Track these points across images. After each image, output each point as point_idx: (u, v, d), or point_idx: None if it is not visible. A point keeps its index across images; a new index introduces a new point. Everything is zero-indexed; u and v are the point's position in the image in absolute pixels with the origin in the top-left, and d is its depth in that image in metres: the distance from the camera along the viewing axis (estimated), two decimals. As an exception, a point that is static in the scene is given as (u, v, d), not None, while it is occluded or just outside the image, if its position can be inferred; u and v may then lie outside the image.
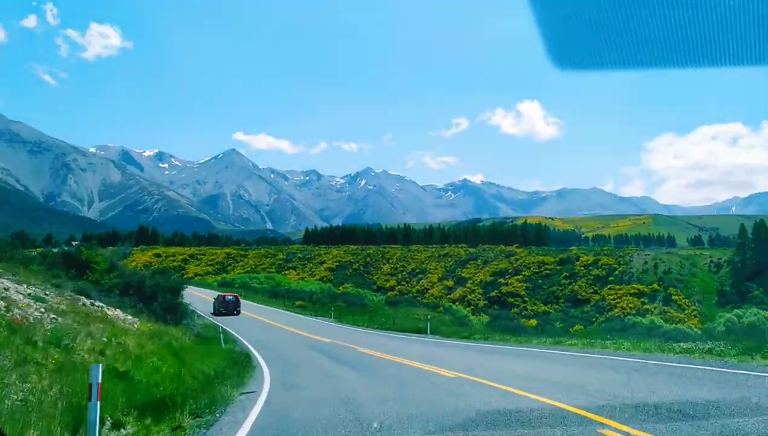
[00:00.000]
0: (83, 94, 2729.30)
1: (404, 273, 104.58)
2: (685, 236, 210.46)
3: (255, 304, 56.63)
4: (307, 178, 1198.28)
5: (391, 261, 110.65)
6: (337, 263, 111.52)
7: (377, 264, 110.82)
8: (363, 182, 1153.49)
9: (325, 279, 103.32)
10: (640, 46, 3.91)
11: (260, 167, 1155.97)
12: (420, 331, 29.11)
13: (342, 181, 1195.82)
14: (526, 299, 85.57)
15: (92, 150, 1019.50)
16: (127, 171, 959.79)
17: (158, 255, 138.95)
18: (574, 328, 38.99)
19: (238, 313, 45.73)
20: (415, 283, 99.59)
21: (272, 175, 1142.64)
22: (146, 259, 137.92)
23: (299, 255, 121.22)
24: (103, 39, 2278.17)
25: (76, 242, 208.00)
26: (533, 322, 48.57)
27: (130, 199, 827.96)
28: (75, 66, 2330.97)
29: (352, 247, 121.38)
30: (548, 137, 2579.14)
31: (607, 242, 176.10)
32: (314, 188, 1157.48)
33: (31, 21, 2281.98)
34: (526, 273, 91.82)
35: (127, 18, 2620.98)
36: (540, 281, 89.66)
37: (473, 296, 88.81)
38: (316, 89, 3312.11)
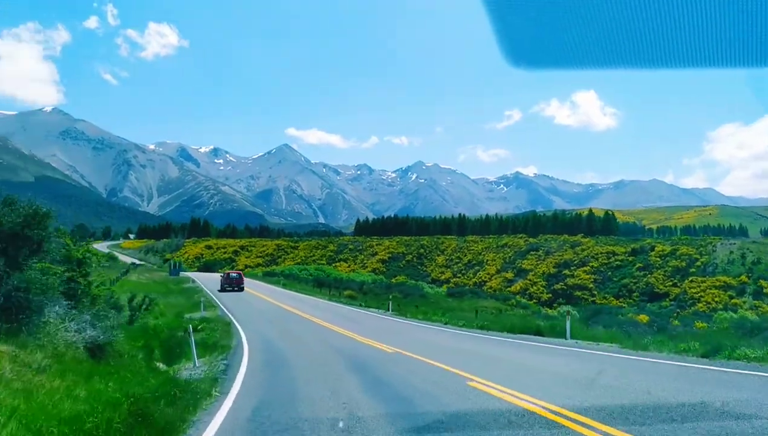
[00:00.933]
0: (143, 93, 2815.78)
1: (460, 265, 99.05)
2: (756, 227, 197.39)
3: (295, 293, 48.33)
4: (359, 172, 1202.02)
5: (446, 252, 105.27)
6: (390, 255, 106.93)
7: (431, 255, 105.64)
8: (414, 176, 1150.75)
9: (377, 271, 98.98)
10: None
11: (312, 162, 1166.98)
12: (539, 331, 18.05)
13: (393, 175, 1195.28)
14: (595, 292, 78.66)
15: (152, 147, 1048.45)
16: (184, 167, 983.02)
17: (209, 247, 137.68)
18: (696, 325, 32.10)
19: (241, 289, 48.13)
20: (471, 275, 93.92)
21: (324, 170, 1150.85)
22: (198, 250, 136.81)
23: (350, 246, 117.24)
24: (160, 38, 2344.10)
25: (133, 235, 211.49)
26: (644, 318, 41.46)
27: (187, 195, 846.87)
28: (135, 65, 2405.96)
29: (405, 238, 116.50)
30: (605, 128, 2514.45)
31: (673, 233, 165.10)
32: (365, 182, 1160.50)
33: (92, 22, 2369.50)
34: (593, 264, 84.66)
35: (183, 17, 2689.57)
36: (609, 273, 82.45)
37: (535, 288, 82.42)
38: (366, 84, 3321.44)
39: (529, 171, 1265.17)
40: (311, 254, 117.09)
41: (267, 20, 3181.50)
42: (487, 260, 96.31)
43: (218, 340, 17.26)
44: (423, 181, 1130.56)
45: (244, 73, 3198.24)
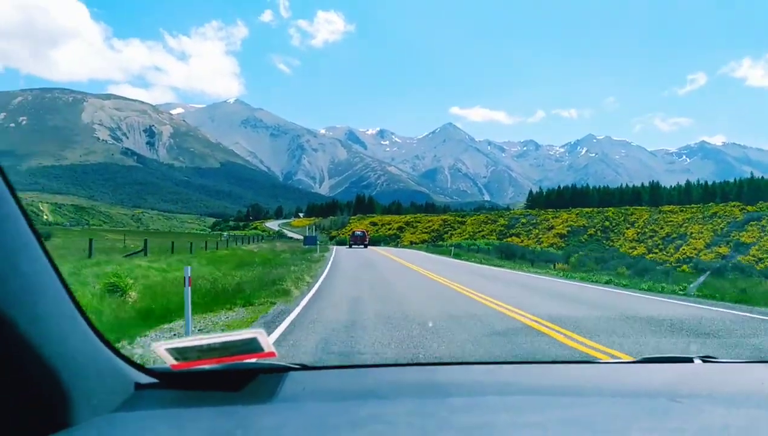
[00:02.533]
0: (313, 79, 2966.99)
1: (656, 238, 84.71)
2: None
3: (477, 266, 30.94)
4: (525, 148, 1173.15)
5: (636, 225, 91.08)
6: (569, 229, 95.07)
7: (618, 229, 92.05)
8: (584, 150, 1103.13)
9: (554, 246, 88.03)
10: None
11: (477, 140, 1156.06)
12: None
13: (561, 150, 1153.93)
14: None
15: (322, 131, 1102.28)
16: (352, 149, 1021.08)
17: (374, 223, 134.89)
18: None
19: (366, 246, 54.10)
20: (672, 250, 79.49)
21: (489, 148, 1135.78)
22: (362, 227, 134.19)
23: (523, 220, 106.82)
24: (328, 25, 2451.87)
25: (302, 213, 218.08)
26: None
27: (356, 176, 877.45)
28: (306, 53, 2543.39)
29: (586, 210, 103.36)
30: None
31: None
32: (532, 159, 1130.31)
33: (267, 15, 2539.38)
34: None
35: (348, 3, 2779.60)
36: None
37: (764, 265, 66.71)
38: (531, 56, 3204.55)
39: (717, 140, 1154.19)
40: (479, 229, 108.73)
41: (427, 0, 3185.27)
42: (692, 233, 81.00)
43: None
44: (594, 155, 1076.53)
45: (408, 54, 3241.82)
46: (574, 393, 1.62)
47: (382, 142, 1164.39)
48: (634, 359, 2.12)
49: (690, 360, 2.05)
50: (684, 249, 77.65)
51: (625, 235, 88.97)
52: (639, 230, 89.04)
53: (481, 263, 34.19)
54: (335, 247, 58.53)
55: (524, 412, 1.36)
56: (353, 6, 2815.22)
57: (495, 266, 31.46)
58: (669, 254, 78.02)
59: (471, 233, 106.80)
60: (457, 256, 43.25)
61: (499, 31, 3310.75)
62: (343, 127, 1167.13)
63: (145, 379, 1.48)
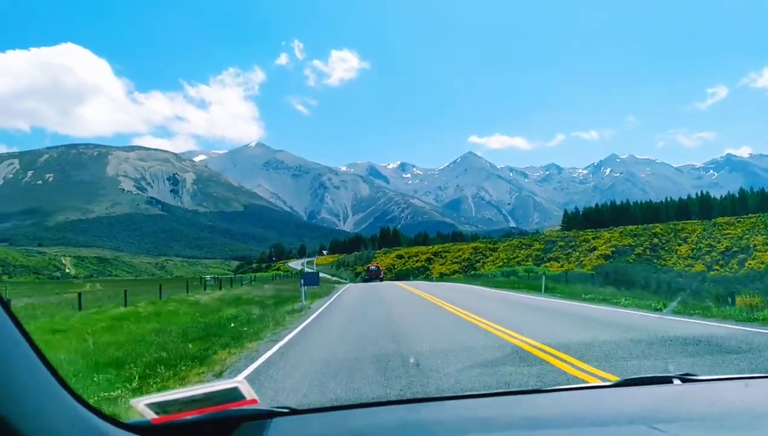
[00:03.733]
0: (331, 118, 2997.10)
1: (714, 254, 76.53)
2: None
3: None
4: (547, 172, 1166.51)
5: (689, 240, 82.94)
6: (613, 249, 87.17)
7: (669, 246, 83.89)
8: (608, 170, 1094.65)
9: (597, 269, 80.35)
10: None
11: (498, 167, 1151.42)
12: None
13: (584, 171, 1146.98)
14: None
15: (343, 168, 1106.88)
16: (374, 184, 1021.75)
17: (400, 256, 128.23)
18: None
19: (381, 280, 55.27)
20: (735, 265, 71.30)
21: (511, 174, 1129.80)
22: (389, 261, 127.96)
23: (560, 243, 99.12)
24: (343, 63, 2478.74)
25: (325, 250, 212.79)
26: None
27: (379, 211, 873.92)
28: (322, 93, 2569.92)
29: (629, 227, 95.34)
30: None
31: None
32: (555, 182, 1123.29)
33: (283, 59, 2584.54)
34: None
35: (361, 41, 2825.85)
36: None
37: None
38: (546, 80, 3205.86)
39: (743, 152, 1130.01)
40: (514, 255, 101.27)
41: (441, 31, 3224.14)
42: (756, 245, 72.78)
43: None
44: (619, 174, 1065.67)
45: (423, 86, 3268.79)
46: (556, 424, 1.58)
47: (404, 175, 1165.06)
48: (614, 382, 2.10)
49: (670, 380, 2.04)
50: (750, 263, 69.42)
51: (678, 252, 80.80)
52: (693, 246, 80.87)
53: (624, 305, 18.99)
54: (348, 285, 49.61)
55: None
56: (366, 43, 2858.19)
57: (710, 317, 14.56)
58: (731, 270, 69.86)
59: (505, 260, 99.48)
60: (550, 290, 28.16)
61: (512, 58, 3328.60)
62: (364, 163, 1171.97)
63: (124, 435, 1.42)
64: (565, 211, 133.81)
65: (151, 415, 1.37)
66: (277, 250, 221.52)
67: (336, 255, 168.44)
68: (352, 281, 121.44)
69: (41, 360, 1.19)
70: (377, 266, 66.50)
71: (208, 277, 65.84)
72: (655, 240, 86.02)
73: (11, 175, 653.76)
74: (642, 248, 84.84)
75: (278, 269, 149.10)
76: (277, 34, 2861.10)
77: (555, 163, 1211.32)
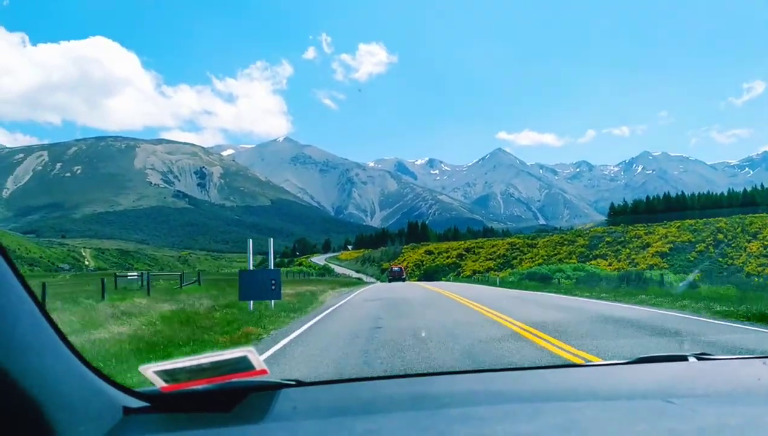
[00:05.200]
0: (359, 113, 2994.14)
1: (794, 253, 67.03)
2: None
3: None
4: (578, 169, 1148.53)
5: (760, 236, 73.13)
6: (671, 246, 77.61)
7: (737, 242, 74.13)
8: (640, 168, 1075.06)
9: (654, 267, 71.09)
10: None
11: (527, 164, 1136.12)
12: None
13: (616, 169, 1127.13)
14: None
15: (371, 164, 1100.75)
16: (402, 180, 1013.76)
17: (430, 252, 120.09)
18: None
19: (404, 280, 59.92)
20: (821, 266, 61.83)
21: (540, 171, 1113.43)
22: (417, 257, 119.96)
23: (607, 239, 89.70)
24: (371, 57, 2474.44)
25: (351, 245, 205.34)
26: None
27: (407, 207, 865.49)
28: (350, 87, 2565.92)
29: (688, 222, 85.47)
30: None
31: None
32: (586, 180, 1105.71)
33: (310, 53, 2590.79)
34: None
35: (389, 33, 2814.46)
36: None
37: None
38: (576, 76, 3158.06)
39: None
40: (555, 252, 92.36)
41: (467, 24, 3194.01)
42: None
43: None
44: (651, 172, 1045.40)
45: (452, 81, 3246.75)
46: (568, 398, 1.57)
47: (432, 171, 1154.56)
48: (628, 360, 2.05)
49: (685, 358, 2.02)
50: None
51: (748, 249, 71.09)
52: (766, 243, 71.11)
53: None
54: (360, 290, 33.31)
55: (519, 420, 1.33)
56: (394, 37, 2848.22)
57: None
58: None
59: (545, 257, 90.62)
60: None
61: (542, 52, 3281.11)
62: (392, 159, 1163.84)
63: (134, 403, 1.44)
64: (611, 205, 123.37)
65: (159, 382, 1.37)
66: (301, 244, 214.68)
67: (361, 250, 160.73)
68: (378, 278, 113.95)
69: (47, 320, 1.19)
70: (400, 268, 68.42)
71: (133, 273, 42.16)
72: (720, 236, 76.20)
73: (40, 168, 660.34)
74: (704, 245, 75.22)
75: (300, 265, 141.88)
76: (305, 27, 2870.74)
77: (585, 160, 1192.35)
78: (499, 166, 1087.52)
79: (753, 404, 1.42)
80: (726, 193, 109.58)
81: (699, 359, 2.00)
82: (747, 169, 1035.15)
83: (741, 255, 70.81)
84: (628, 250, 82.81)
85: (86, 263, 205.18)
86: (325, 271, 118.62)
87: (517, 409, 1.44)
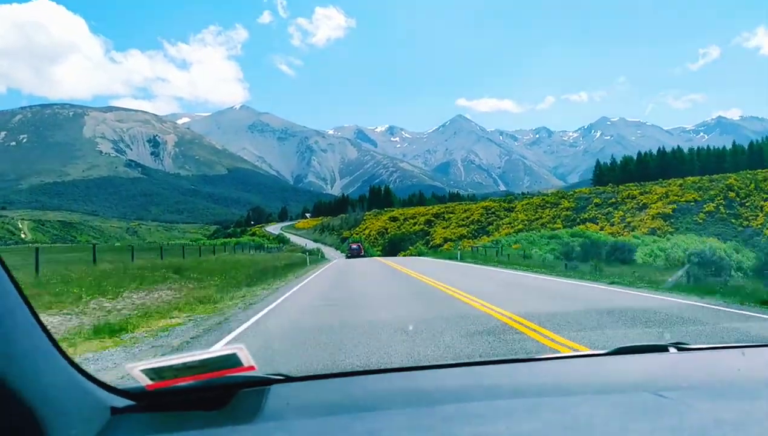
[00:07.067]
0: (318, 79, 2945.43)
1: (820, 212, 57.98)
2: None
3: None
4: (537, 136, 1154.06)
5: (777, 193, 64.11)
6: (674, 206, 67.89)
7: (751, 201, 64.91)
8: (598, 134, 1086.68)
9: (659, 232, 61.46)
10: None
11: (488, 130, 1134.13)
12: None
13: (575, 134, 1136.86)
14: None
15: (330, 131, 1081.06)
16: (362, 148, 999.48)
17: (395, 219, 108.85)
18: None
19: (363, 256, 61.63)
20: None
21: (501, 137, 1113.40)
22: (380, 224, 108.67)
23: (596, 200, 79.80)
24: (328, 21, 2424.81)
25: (308, 214, 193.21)
26: None
27: (368, 174, 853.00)
28: (307, 53, 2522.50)
29: (690, 179, 75.88)
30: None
31: None
32: (545, 146, 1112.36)
33: (265, 17, 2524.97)
34: None
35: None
36: None
37: None
38: (535, 42, 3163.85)
39: (733, 114, 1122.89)
40: (536, 217, 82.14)
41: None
42: None
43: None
44: (609, 137, 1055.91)
45: (411, 47, 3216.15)
46: (562, 392, 1.56)
47: (392, 138, 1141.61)
48: (607, 351, 2.06)
49: (665, 349, 2.04)
50: None
51: (766, 209, 61.81)
52: (783, 200, 61.99)
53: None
54: (308, 277, 21.41)
55: (518, 418, 1.31)
56: (351, 1, 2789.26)
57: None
58: None
59: (525, 222, 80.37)
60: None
61: (500, 19, 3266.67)
62: (352, 127, 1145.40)
63: (121, 402, 1.40)
64: (597, 162, 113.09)
65: (145, 381, 1.32)
66: (256, 213, 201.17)
67: (320, 218, 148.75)
68: (338, 247, 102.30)
69: (38, 323, 1.17)
70: (358, 245, 69.25)
71: None
72: (731, 194, 66.70)
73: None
74: (713, 205, 65.62)
75: (254, 234, 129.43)
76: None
77: (545, 126, 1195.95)
78: (459, 132, 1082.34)
79: (741, 397, 1.44)
80: (731, 147, 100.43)
81: (678, 349, 2.02)
82: (702, 133, 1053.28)
83: (758, 216, 61.47)
84: (621, 212, 73.03)
85: (22, 235, 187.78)
86: (281, 241, 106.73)
87: (513, 405, 1.43)
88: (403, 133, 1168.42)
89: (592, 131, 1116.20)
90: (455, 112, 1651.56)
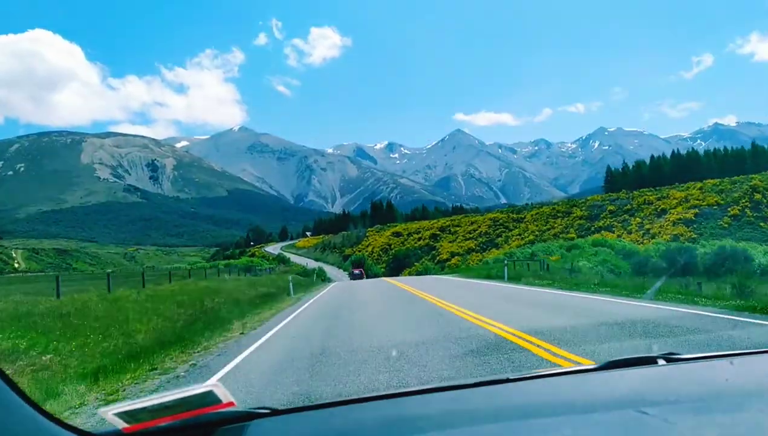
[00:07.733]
0: (315, 99, 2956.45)
1: None
2: None
3: None
4: (536, 147, 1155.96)
5: (809, 194, 60.12)
6: (696, 211, 63.85)
7: (779, 204, 60.98)
8: (596, 144, 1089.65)
9: (681, 238, 57.37)
10: None
11: (486, 144, 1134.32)
12: None
13: (573, 145, 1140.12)
14: None
15: (330, 150, 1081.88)
16: (362, 165, 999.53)
17: (398, 234, 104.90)
18: None
19: (364, 278, 59.09)
20: None
21: (500, 150, 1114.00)
22: (383, 240, 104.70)
23: (609, 207, 75.79)
24: (324, 40, 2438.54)
25: (309, 232, 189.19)
26: None
27: (368, 191, 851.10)
28: (304, 73, 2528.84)
29: (710, 182, 71.92)
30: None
31: None
32: (545, 157, 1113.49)
33: (261, 39, 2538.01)
34: None
35: (341, 16, 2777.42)
36: None
37: None
38: (530, 55, 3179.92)
39: (729, 121, 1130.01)
40: (547, 227, 78.20)
41: (421, 3, 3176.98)
42: None
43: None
44: (607, 147, 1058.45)
45: (407, 64, 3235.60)
46: (546, 413, 1.53)
47: (392, 155, 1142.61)
48: (597, 365, 2.02)
49: (654, 361, 2.01)
50: None
51: (797, 211, 57.88)
52: (819, 202, 58.00)
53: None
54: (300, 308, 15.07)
55: None
56: (347, 19, 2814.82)
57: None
58: None
59: (537, 233, 76.35)
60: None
61: (496, 33, 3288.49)
62: (351, 144, 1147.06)
63: None
64: (608, 168, 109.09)
65: (120, 424, 1.27)
66: (256, 233, 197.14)
67: (320, 236, 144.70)
68: (341, 266, 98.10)
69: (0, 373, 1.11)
70: (360, 270, 68.58)
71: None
72: (756, 196, 62.68)
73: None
74: (739, 208, 61.57)
75: (253, 255, 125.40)
76: (254, 13, 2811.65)
77: (543, 138, 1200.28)
78: (458, 147, 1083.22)
79: (725, 409, 1.42)
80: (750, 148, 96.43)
81: (668, 360, 1.99)
82: (699, 140, 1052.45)
83: (789, 218, 57.49)
84: (638, 219, 68.96)
85: (15, 265, 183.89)
86: (281, 261, 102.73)
87: (496, 430, 1.38)
88: (402, 149, 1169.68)
89: (591, 142, 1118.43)
90: (453, 127, 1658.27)
